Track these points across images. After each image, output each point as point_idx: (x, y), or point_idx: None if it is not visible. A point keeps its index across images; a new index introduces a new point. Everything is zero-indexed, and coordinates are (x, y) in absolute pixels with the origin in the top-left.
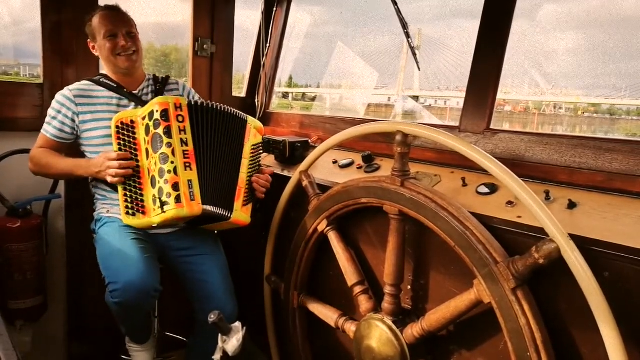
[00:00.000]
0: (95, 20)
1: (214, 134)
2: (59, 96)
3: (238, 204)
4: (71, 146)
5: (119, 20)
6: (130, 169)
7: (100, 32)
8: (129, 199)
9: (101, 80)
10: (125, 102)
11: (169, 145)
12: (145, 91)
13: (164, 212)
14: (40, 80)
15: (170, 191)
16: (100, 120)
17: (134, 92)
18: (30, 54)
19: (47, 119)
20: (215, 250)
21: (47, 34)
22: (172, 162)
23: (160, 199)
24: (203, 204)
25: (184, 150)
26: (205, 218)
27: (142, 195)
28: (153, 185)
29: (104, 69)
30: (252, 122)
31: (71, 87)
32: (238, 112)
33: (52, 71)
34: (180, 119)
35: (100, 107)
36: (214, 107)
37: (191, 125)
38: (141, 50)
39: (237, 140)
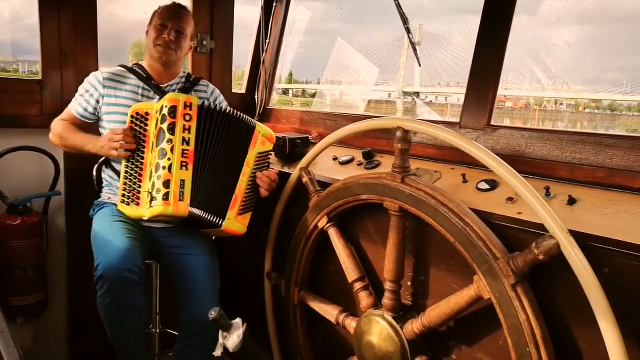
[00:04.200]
0: (158, 10)
1: (219, 139)
2: (90, 77)
3: (232, 212)
4: (91, 126)
5: (176, 16)
6: (132, 145)
7: (154, 21)
8: (127, 188)
9: (134, 68)
10: (150, 93)
11: (170, 142)
12: (173, 87)
13: (151, 207)
14: (39, 77)
15: (160, 187)
16: (122, 106)
17: (161, 85)
18: (29, 51)
19: (76, 96)
20: (206, 252)
21: (46, 30)
22: (169, 159)
23: (151, 193)
24: (191, 206)
25: (183, 150)
26: (196, 222)
27: (139, 187)
28: (150, 178)
29: (143, 60)
30: (262, 130)
31: (104, 70)
32: (249, 118)
33: (50, 68)
34: (188, 117)
35: (125, 94)
36: (226, 111)
37: (197, 126)
38: (184, 49)
39: (241, 146)
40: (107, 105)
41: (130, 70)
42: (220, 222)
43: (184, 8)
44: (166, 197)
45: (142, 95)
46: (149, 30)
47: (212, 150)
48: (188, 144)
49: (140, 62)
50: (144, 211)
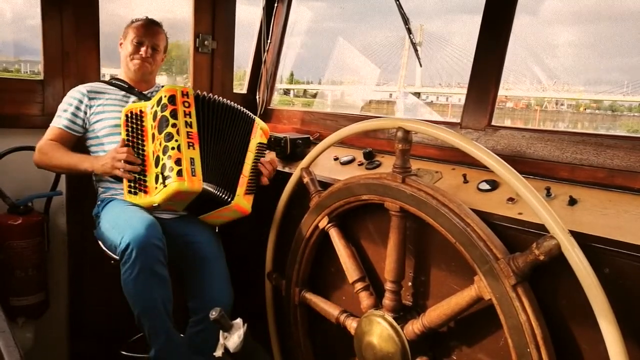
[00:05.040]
0: (134, 25)
1: (219, 123)
2: (72, 92)
3: (241, 190)
4: (78, 140)
5: (151, 33)
6: (136, 166)
7: (130, 36)
8: (132, 181)
9: (113, 81)
10: (134, 99)
11: (174, 125)
12: (154, 94)
13: (165, 186)
14: (41, 77)
15: (172, 166)
16: (109, 112)
17: (143, 92)
18: (31, 51)
19: (58, 112)
20: (214, 240)
21: (48, 30)
22: (176, 140)
23: (162, 174)
24: (204, 181)
25: (188, 132)
26: (206, 202)
27: (145, 176)
28: (157, 164)
29: (119, 73)
30: (259, 123)
31: (84, 85)
32: (245, 110)
33: (52, 68)
34: (187, 104)
35: (111, 101)
36: (221, 100)
37: (196, 112)
38: (158, 62)
39: (243, 134)
40: (96, 114)
41: (110, 83)
42: (231, 199)
43: (157, 24)
44: (179, 173)
45: (127, 103)
46: (123, 43)
47: (215, 133)
48: (191, 126)
49: (116, 76)
50: (154, 197)
